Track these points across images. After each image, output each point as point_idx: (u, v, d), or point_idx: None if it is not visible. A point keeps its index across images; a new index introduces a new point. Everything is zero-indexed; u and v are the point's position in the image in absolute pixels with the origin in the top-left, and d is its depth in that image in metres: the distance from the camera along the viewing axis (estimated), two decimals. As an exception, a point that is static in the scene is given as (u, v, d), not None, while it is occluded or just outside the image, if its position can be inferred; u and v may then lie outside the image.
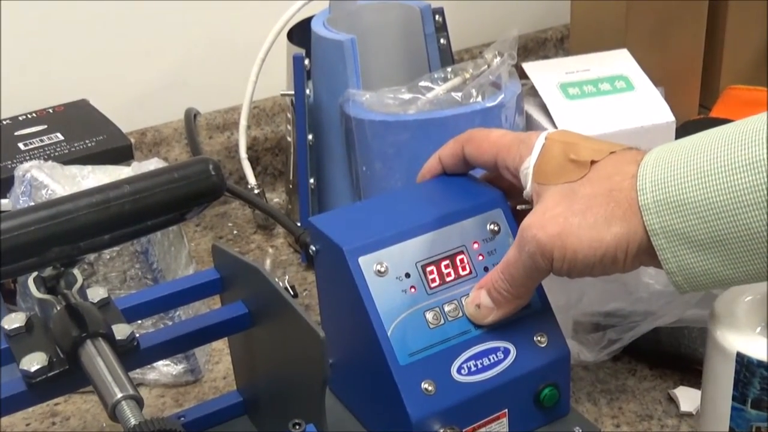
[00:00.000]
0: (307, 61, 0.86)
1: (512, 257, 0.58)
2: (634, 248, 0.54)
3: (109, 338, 0.53)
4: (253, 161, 1.03)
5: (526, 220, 0.57)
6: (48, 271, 0.54)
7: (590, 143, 0.59)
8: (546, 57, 1.23)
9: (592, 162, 0.57)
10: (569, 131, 0.62)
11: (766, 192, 0.50)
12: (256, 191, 0.97)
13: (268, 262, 0.96)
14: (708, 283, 0.55)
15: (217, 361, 0.80)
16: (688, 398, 0.72)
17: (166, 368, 0.77)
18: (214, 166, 0.50)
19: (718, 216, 0.52)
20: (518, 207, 0.65)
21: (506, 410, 0.62)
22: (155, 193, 0.48)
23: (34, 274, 0.55)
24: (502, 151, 0.62)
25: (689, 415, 0.71)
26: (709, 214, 0.52)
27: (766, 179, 0.50)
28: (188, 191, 0.49)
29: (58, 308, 0.54)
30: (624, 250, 0.55)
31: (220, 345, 0.81)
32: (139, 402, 0.49)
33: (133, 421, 0.47)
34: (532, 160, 0.59)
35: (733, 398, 0.58)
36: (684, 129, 0.89)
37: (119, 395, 0.49)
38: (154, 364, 0.76)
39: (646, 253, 0.55)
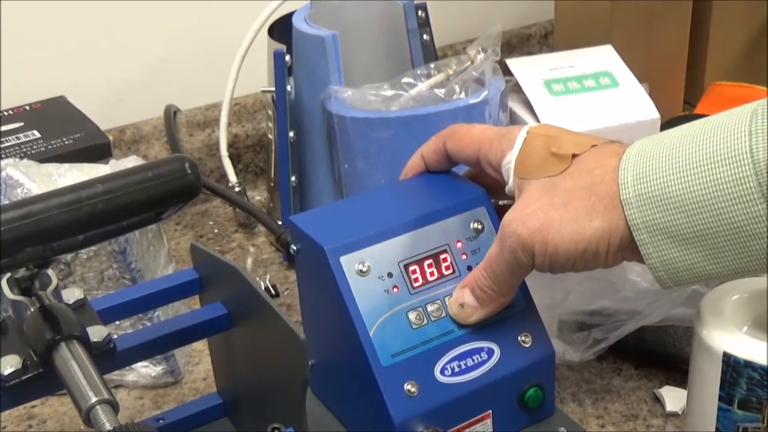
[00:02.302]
0: (288, 57, 0.85)
1: (494, 254, 0.58)
2: (616, 242, 0.54)
3: (84, 341, 0.52)
4: (234, 159, 1.02)
5: (507, 216, 0.57)
6: (21, 272, 0.53)
7: (572, 136, 0.58)
8: (530, 53, 1.22)
9: (574, 155, 0.56)
10: (551, 125, 0.61)
11: (752, 183, 0.49)
12: (237, 189, 0.95)
13: (249, 261, 0.94)
14: (691, 278, 0.54)
15: (198, 362, 0.79)
16: (673, 398, 0.71)
17: (145, 369, 0.76)
18: (190, 164, 0.49)
19: (701, 210, 0.51)
20: (500, 203, 0.64)
21: (490, 411, 0.61)
22: (129, 193, 0.47)
23: (8, 275, 0.54)
24: (483, 146, 0.61)
25: (675, 415, 0.71)
26: (692, 208, 0.51)
27: (751, 171, 0.49)
28: (163, 190, 0.48)
29: (32, 310, 0.53)
30: (606, 244, 0.54)
31: (201, 346, 0.80)
32: (114, 406, 0.48)
33: (107, 427, 0.46)
34: (513, 154, 0.58)
35: (720, 398, 0.58)
36: (669, 126, 0.88)
37: (93, 400, 0.48)
38: (133, 366, 0.75)
39: (628, 248, 0.54)
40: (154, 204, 0.48)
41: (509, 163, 0.59)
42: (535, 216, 0.55)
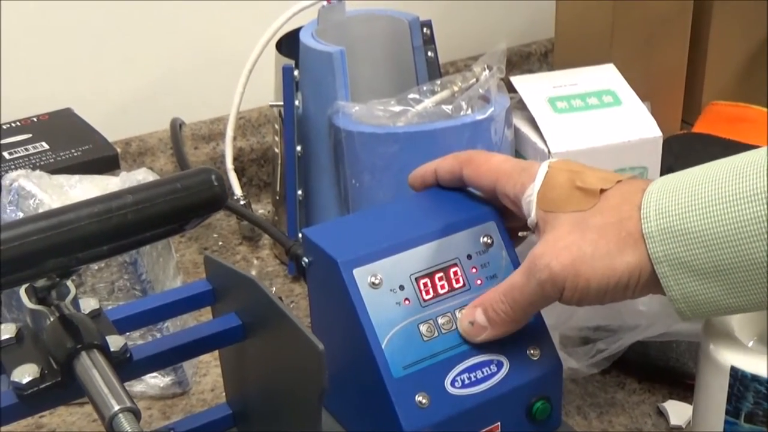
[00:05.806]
0: (296, 72, 0.86)
1: (518, 282, 0.58)
2: (645, 276, 0.55)
3: (104, 350, 0.52)
4: (239, 172, 1.02)
5: (537, 249, 0.57)
6: (41, 282, 0.54)
7: (596, 172, 0.59)
8: (530, 71, 1.24)
9: (602, 190, 0.57)
10: (570, 161, 0.62)
11: (765, 223, 0.51)
12: (242, 202, 0.96)
13: (253, 273, 0.95)
14: (711, 310, 0.55)
15: (205, 374, 0.80)
16: (677, 412, 0.72)
17: (153, 380, 0.76)
18: (216, 176, 0.50)
19: (720, 246, 0.52)
20: (519, 234, 0.65)
21: (499, 423, 0.62)
22: (157, 204, 0.48)
23: (27, 284, 0.54)
24: (502, 178, 0.61)
25: (679, 428, 0.72)
26: (711, 244, 0.52)
27: (765, 210, 0.51)
28: (191, 202, 0.49)
29: (51, 319, 0.53)
30: (636, 278, 0.55)
31: (208, 357, 0.80)
32: (136, 414, 0.49)
33: (130, 434, 0.47)
34: (535, 187, 0.59)
35: (727, 412, 0.58)
36: (668, 144, 0.89)
37: (116, 408, 0.48)
38: (142, 376, 0.75)
39: (654, 282, 0.55)
40: (181, 215, 0.49)
41: (530, 196, 0.59)
42: (567, 251, 0.56)
